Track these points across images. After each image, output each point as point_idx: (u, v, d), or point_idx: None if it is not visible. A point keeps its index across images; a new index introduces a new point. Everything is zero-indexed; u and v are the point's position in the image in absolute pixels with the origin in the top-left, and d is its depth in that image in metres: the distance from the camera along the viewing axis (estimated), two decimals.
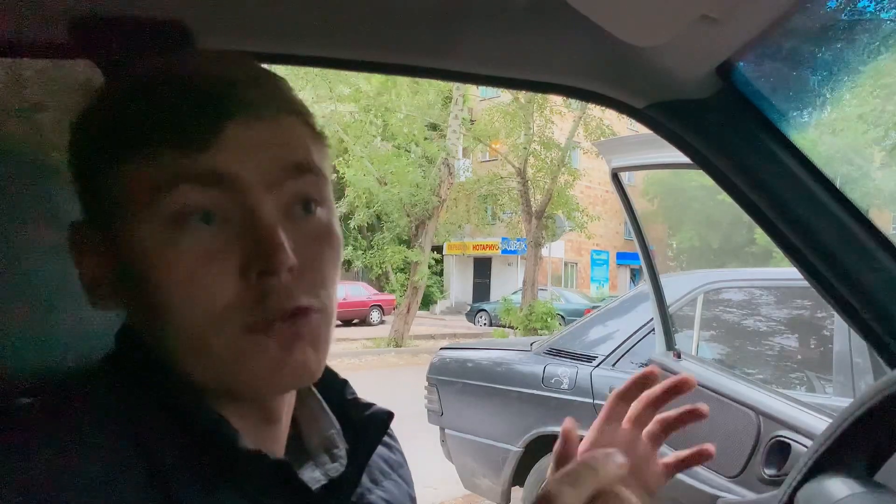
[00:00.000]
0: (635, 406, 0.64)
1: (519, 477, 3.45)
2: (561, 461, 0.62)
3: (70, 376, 0.46)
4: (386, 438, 0.62)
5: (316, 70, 11.13)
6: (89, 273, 0.46)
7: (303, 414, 0.53)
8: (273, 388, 0.45)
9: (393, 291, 16.66)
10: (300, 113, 0.47)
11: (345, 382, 0.56)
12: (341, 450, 0.52)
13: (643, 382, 0.63)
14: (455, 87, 13.72)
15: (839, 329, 2.59)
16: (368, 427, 0.53)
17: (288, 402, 0.50)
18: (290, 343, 0.43)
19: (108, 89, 0.47)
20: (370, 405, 0.54)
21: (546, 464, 3.33)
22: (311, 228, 0.45)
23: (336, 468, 0.51)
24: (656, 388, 0.62)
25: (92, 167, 0.44)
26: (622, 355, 3.17)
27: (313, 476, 0.50)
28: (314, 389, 0.54)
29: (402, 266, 14.85)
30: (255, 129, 0.43)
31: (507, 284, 21.75)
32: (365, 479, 0.54)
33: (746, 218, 0.84)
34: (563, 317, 15.00)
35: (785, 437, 1.64)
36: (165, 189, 0.41)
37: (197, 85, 0.43)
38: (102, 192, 0.44)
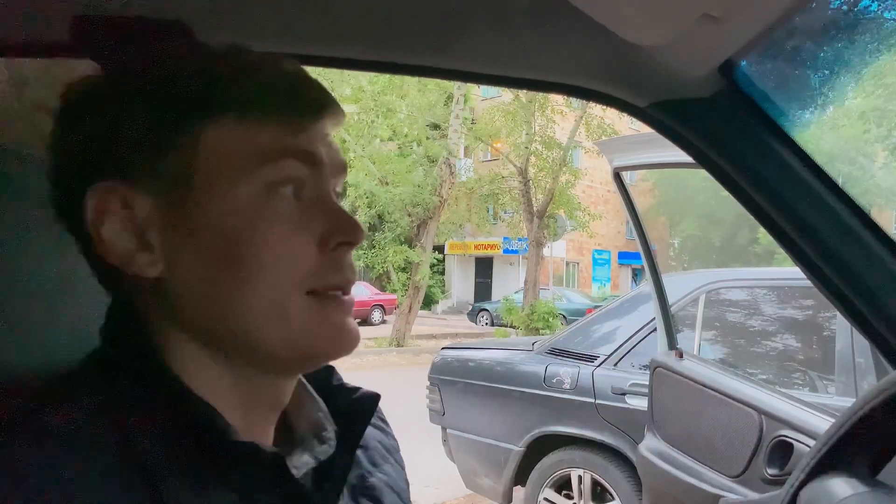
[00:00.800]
0: None
1: (521, 476, 3.45)
2: None
3: (59, 375, 0.45)
4: (381, 424, 0.64)
5: (318, 70, 11.14)
6: (122, 239, 0.44)
7: (290, 400, 0.53)
8: (339, 350, 0.48)
9: (394, 291, 16.68)
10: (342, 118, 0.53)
11: (331, 369, 0.57)
12: (330, 431, 0.53)
13: None
14: (456, 87, 13.72)
15: (841, 329, 2.58)
16: (356, 411, 0.54)
17: (291, 388, 0.51)
18: (345, 313, 0.48)
19: (194, 53, 0.49)
20: (357, 389, 0.56)
21: (547, 464, 3.34)
22: None
23: (325, 451, 0.51)
24: None
25: (169, 125, 0.44)
26: (624, 355, 3.17)
27: (303, 460, 0.50)
28: (300, 375, 0.55)
29: (404, 266, 14.86)
30: (332, 124, 0.50)
31: (508, 284, 21.75)
32: (366, 462, 0.55)
33: (749, 217, 0.84)
34: (564, 316, 14.99)
35: (787, 436, 1.64)
36: (271, 159, 0.45)
37: (301, 74, 0.49)
38: (181, 153, 0.44)
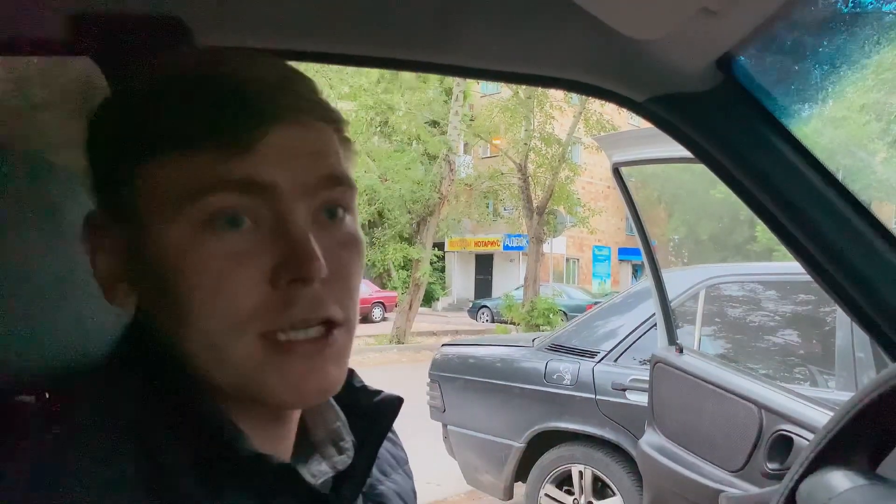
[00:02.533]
0: None
1: (521, 473, 3.45)
2: None
3: (73, 376, 0.45)
4: (391, 435, 0.62)
5: (316, 67, 11.12)
6: (105, 269, 0.45)
7: (308, 408, 0.53)
8: (294, 401, 0.45)
9: (395, 288, 16.67)
10: (334, 120, 0.47)
11: (351, 371, 0.55)
12: (348, 442, 0.52)
13: None
14: (456, 84, 13.69)
15: (841, 323, 2.58)
16: (379, 413, 0.53)
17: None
18: (314, 358, 0.42)
19: (134, 86, 0.46)
20: (379, 392, 0.55)
21: (548, 460, 3.34)
22: (339, 236, 0.45)
23: (343, 460, 0.51)
24: None
25: (118, 163, 0.43)
26: (624, 351, 3.18)
27: (320, 469, 0.50)
28: None
29: (404, 263, 14.86)
30: (294, 135, 0.43)
31: (509, 281, 21.74)
32: (375, 471, 0.54)
33: (744, 215, 0.84)
34: (565, 313, 14.99)
35: (787, 430, 1.64)
36: (203, 192, 0.41)
37: (239, 85, 0.42)
38: (129, 189, 0.43)
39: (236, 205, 0.41)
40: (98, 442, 0.39)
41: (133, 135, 0.43)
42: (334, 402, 0.54)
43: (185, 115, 0.41)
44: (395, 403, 0.54)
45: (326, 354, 0.43)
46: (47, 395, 0.54)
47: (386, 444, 0.59)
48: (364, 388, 0.55)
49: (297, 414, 0.50)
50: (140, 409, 0.42)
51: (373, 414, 0.53)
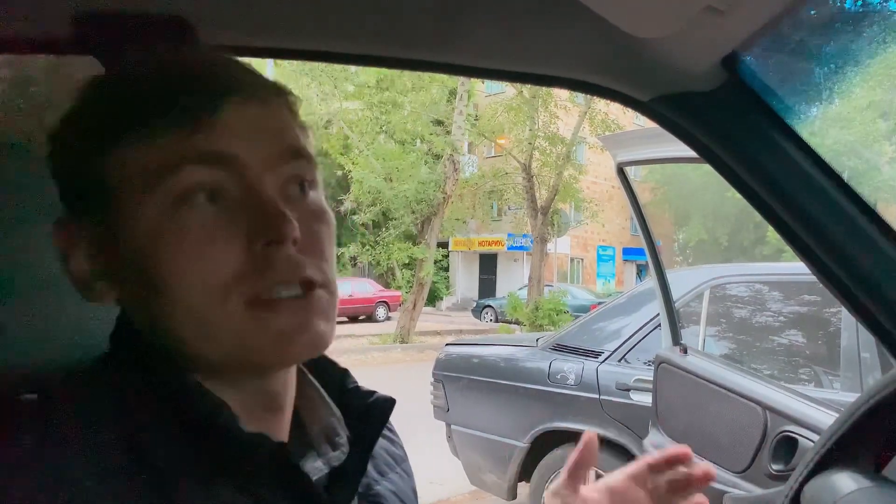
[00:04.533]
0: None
1: (525, 472, 3.45)
2: (575, 469, 0.64)
3: (65, 376, 0.45)
4: (387, 433, 0.62)
5: (321, 67, 11.12)
6: (82, 268, 0.46)
7: (302, 404, 0.53)
8: (283, 357, 0.45)
9: (399, 288, 16.68)
10: (287, 97, 0.48)
11: (345, 372, 0.56)
12: (342, 438, 0.52)
13: (673, 459, 0.65)
14: (460, 83, 13.69)
15: (847, 324, 2.57)
16: (371, 415, 0.53)
17: (290, 390, 0.50)
18: (299, 313, 0.43)
19: (97, 80, 0.47)
20: (371, 393, 0.55)
21: (551, 460, 3.34)
22: (308, 208, 0.46)
23: (338, 457, 0.51)
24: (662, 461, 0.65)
25: (82, 158, 0.44)
26: (628, 351, 3.17)
27: (315, 466, 0.50)
28: (313, 379, 0.54)
29: (408, 262, 14.87)
30: (251, 109, 0.45)
31: (513, 280, 21.74)
32: (371, 471, 0.54)
33: (755, 216, 0.83)
34: (568, 313, 14.97)
35: (792, 432, 1.64)
36: (170, 170, 0.42)
37: (191, 68, 0.45)
38: (96, 181, 0.44)
39: (205, 179, 0.43)
40: (85, 437, 0.39)
41: (101, 122, 0.44)
42: (329, 399, 0.54)
43: (147, 99, 0.43)
44: (387, 404, 0.54)
45: (312, 309, 0.44)
46: (41, 395, 0.54)
47: (384, 443, 0.60)
48: (357, 388, 0.55)
49: (290, 405, 0.50)
50: (128, 402, 0.42)
51: (365, 415, 0.53)
